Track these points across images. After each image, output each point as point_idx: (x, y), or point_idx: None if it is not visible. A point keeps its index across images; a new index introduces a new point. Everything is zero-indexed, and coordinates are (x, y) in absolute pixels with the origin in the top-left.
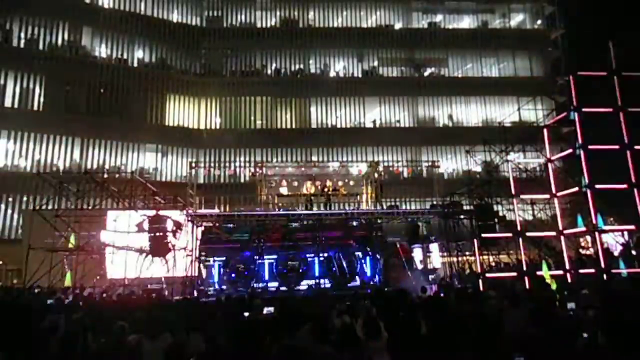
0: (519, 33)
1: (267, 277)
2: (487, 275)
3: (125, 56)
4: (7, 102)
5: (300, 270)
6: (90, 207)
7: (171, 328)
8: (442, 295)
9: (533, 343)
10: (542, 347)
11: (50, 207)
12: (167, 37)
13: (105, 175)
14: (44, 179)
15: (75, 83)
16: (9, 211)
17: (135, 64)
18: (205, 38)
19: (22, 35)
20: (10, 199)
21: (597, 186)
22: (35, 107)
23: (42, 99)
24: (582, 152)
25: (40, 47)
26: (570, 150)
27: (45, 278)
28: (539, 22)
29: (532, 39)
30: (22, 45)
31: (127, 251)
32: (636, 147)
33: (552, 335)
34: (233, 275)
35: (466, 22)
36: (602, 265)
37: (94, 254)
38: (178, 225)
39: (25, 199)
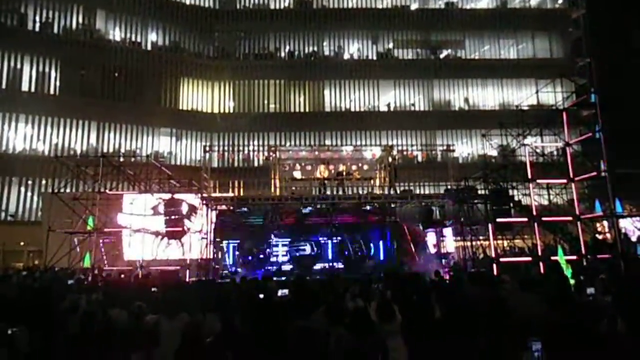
0: (538, 13)
1: (281, 259)
2: (502, 259)
3: (139, 39)
4: (24, 86)
5: (314, 253)
6: (107, 190)
7: (187, 309)
8: (453, 277)
9: (549, 328)
10: (558, 332)
11: (68, 190)
12: (180, 20)
13: (122, 159)
14: (61, 162)
15: (90, 67)
16: (29, 194)
17: (149, 47)
18: (218, 20)
19: (37, 19)
20: (29, 182)
21: (617, 171)
22: (52, 91)
23: (57, 83)
24: (602, 136)
25: (55, 30)
26: (589, 134)
27: (64, 259)
28: (559, 1)
29: (553, 18)
30: (37, 29)
31: (143, 234)
32: None
33: (568, 320)
34: (247, 257)
35: (484, 1)
36: (620, 250)
37: (111, 236)
38: (193, 209)
39: (44, 182)
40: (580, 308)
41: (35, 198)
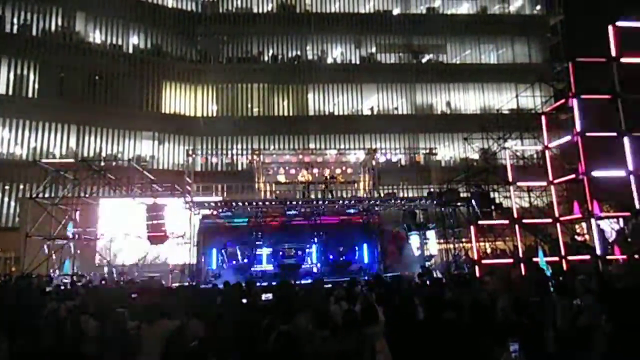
0: (517, 19)
1: (265, 264)
2: (483, 262)
3: (120, 42)
4: (2, 89)
5: (298, 257)
6: (87, 195)
7: (171, 314)
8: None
9: (517, 330)
10: (524, 334)
11: (47, 195)
12: (163, 23)
13: (102, 163)
14: (40, 166)
15: (70, 69)
16: (6, 199)
17: (131, 50)
18: (200, 24)
19: (15, 20)
20: (6, 187)
21: (594, 173)
22: (30, 94)
23: (36, 86)
24: (579, 139)
25: (34, 32)
26: (567, 138)
27: (42, 266)
28: (538, 7)
29: (531, 24)
30: (14, 31)
31: (125, 239)
32: (634, 134)
33: (533, 322)
34: (231, 262)
35: (465, 7)
36: (598, 251)
37: (91, 241)
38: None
39: (22, 187)
40: (543, 311)
41: (12, 203)
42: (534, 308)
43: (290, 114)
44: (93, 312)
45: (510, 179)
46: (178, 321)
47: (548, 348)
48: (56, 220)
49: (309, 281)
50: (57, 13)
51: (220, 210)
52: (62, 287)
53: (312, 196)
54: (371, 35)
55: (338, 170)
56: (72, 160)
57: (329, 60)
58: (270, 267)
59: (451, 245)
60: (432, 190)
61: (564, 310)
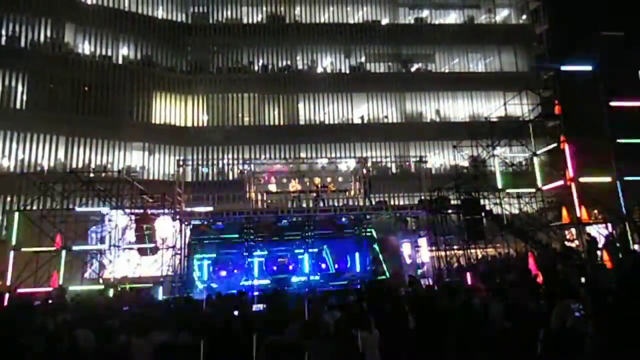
0: (504, 28)
1: (256, 274)
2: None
3: (109, 53)
4: None
5: (290, 267)
6: (76, 207)
7: (161, 326)
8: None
9: (505, 337)
10: (513, 340)
11: (35, 207)
12: (152, 34)
13: (91, 175)
14: (28, 179)
15: (59, 81)
16: None
17: (120, 61)
18: (191, 35)
19: (3, 32)
20: None
21: (581, 179)
22: (18, 106)
23: (24, 97)
24: (566, 146)
25: (22, 44)
26: (555, 144)
27: (30, 280)
28: (524, 17)
29: (517, 34)
30: (3, 42)
31: (115, 250)
32: (619, 140)
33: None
34: (223, 272)
35: (452, 17)
36: (584, 257)
37: (80, 254)
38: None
39: (9, 199)
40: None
41: None
42: (526, 314)
43: (281, 123)
44: (82, 325)
45: (499, 186)
46: (168, 333)
47: (538, 352)
48: (45, 232)
49: (302, 291)
50: (46, 24)
51: (211, 220)
52: (51, 301)
53: (304, 205)
54: (360, 45)
55: (329, 179)
56: (60, 171)
57: (319, 70)
58: (261, 277)
59: (442, 253)
60: (422, 197)
61: (557, 314)
